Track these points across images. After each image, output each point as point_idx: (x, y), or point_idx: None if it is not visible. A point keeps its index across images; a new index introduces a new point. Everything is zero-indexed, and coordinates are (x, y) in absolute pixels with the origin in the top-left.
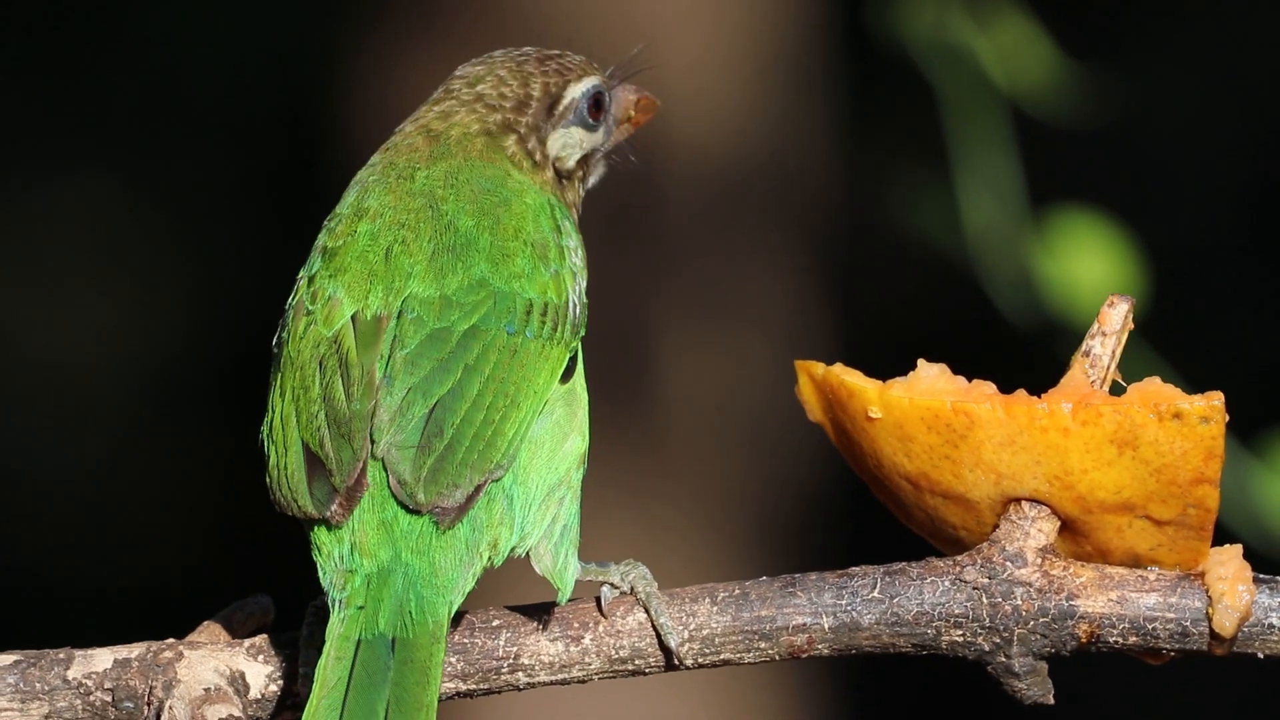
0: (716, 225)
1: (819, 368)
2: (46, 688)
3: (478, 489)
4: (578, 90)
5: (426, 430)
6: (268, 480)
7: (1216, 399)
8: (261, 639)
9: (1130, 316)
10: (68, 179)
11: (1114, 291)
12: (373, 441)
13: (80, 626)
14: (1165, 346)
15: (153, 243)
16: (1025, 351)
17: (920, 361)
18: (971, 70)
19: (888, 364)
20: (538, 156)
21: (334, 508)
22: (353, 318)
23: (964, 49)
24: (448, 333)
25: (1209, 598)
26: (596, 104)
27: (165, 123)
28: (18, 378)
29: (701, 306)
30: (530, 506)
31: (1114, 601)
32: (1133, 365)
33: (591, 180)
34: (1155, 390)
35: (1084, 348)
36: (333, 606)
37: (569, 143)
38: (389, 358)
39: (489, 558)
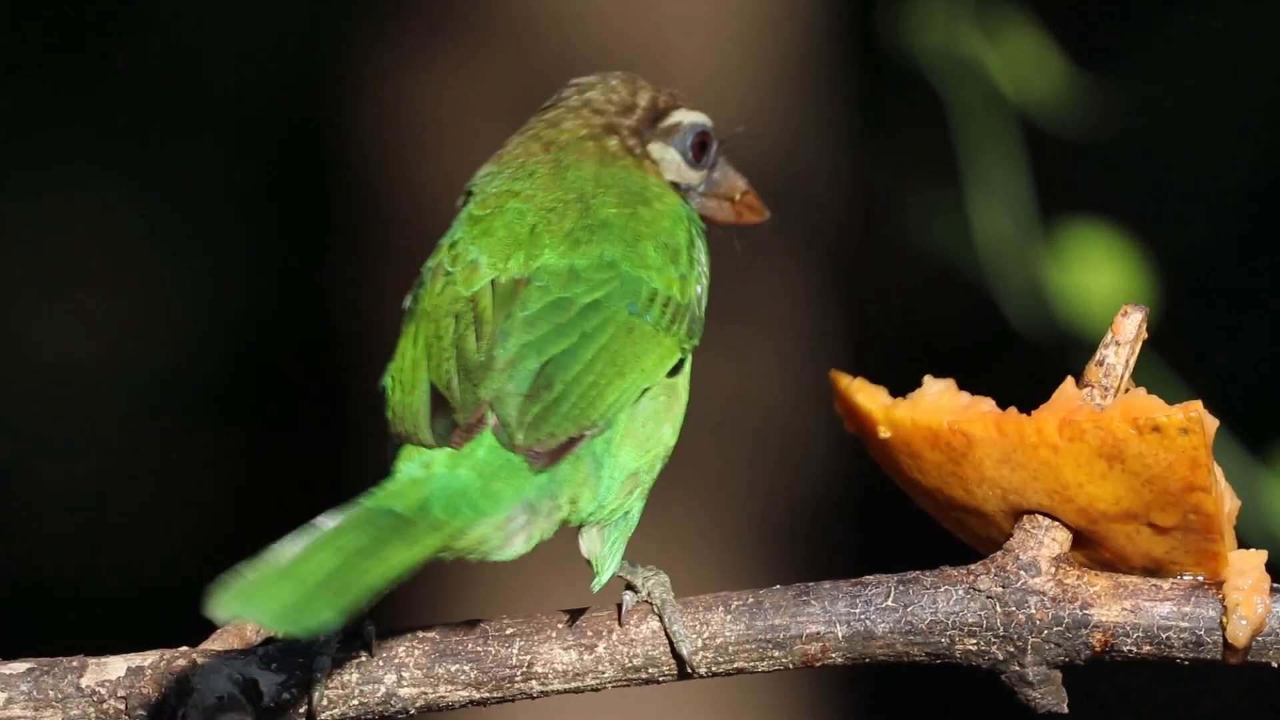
0: (725, 234)
1: (844, 380)
2: (60, 695)
3: (573, 440)
4: (687, 117)
5: (536, 382)
6: (389, 414)
7: (1194, 410)
8: (275, 647)
9: (1144, 326)
10: (76, 186)
11: (1125, 302)
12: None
13: (92, 633)
14: (1176, 357)
15: (160, 249)
16: (1035, 363)
17: (926, 378)
18: (981, 81)
19: (895, 374)
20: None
21: (454, 439)
22: (492, 281)
23: (974, 60)
24: (569, 302)
25: (1224, 607)
26: (701, 144)
27: (173, 130)
28: (26, 382)
29: (710, 314)
30: (614, 480)
31: (1128, 610)
32: (1143, 376)
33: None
34: (1136, 403)
35: (1098, 357)
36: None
37: (667, 159)
38: (510, 317)
39: (567, 513)
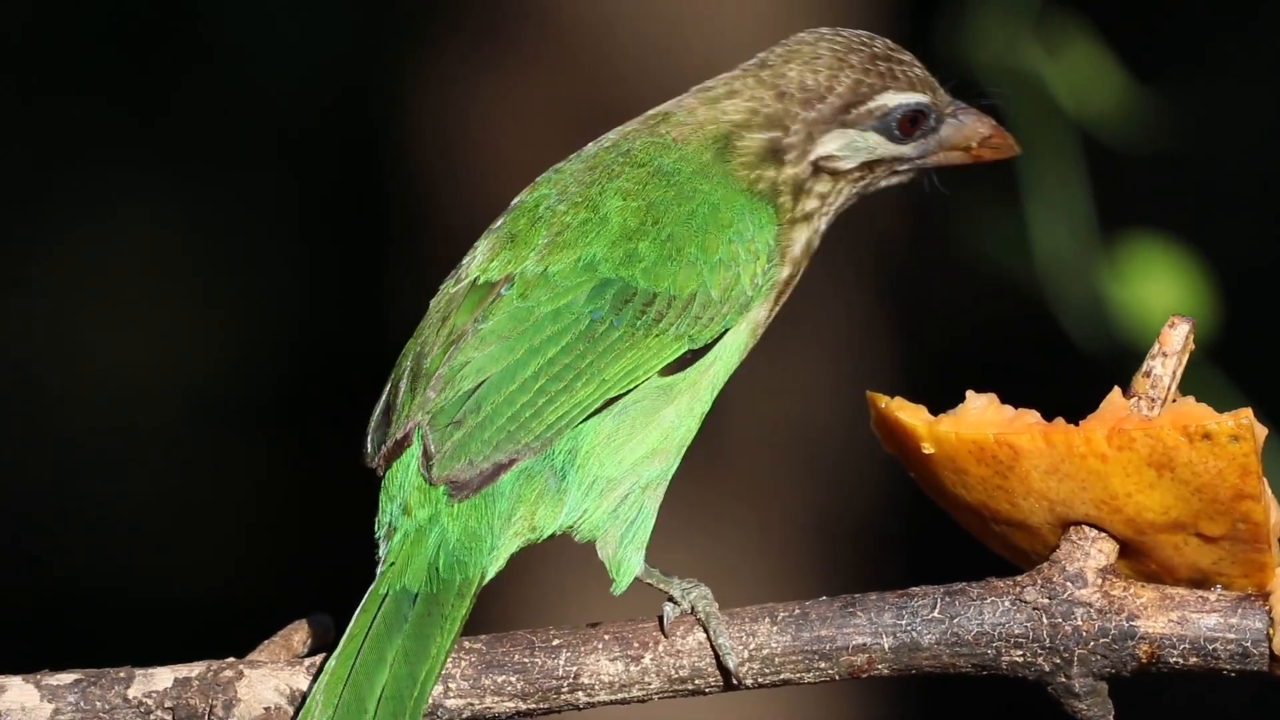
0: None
1: (882, 400)
2: (107, 706)
3: (498, 468)
4: (894, 100)
5: (465, 407)
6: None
7: (1245, 417)
8: (322, 657)
9: (1191, 337)
10: (131, 203)
11: (1182, 314)
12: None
13: (140, 642)
14: (1237, 369)
15: (213, 265)
16: (1093, 376)
17: (969, 393)
18: (1040, 94)
19: (952, 388)
20: (790, 155)
21: (379, 457)
22: (473, 281)
23: (1033, 73)
24: (528, 312)
25: (1271, 619)
26: (913, 120)
27: (227, 148)
28: (80, 394)
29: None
30: (588, 492)
31: (1174, 622)
32: (1196, 386)
33: (880, 184)
34: (1186, 411)
35: (1145, 368)
36: (377, 564)
37: (855, 145)
38: (469, 330)
39: (528, 530)
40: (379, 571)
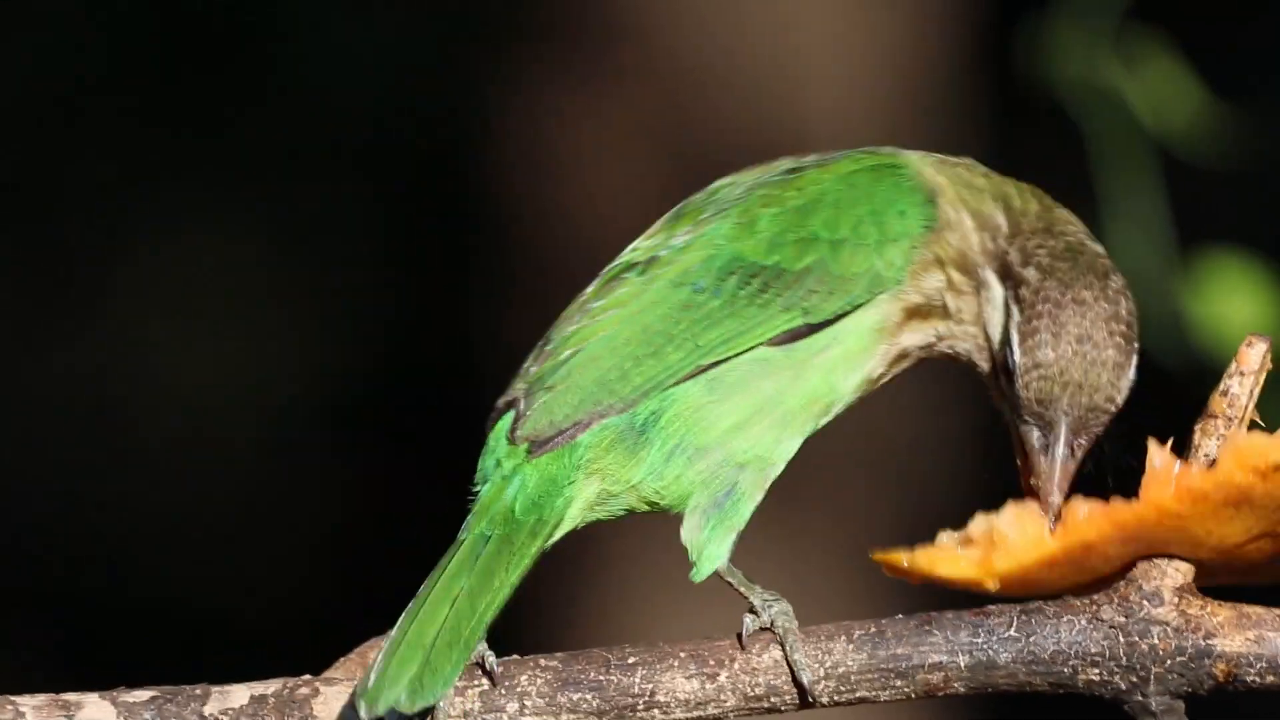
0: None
1: (901, 559)
2: None
3: (579, 426)
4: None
5: (558, 374)
6: None
7: None
8: None
9: (1268, 356)
10: (211, 222)
11: (1261, 333)
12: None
13: (214, 659)
14: None
15: (288, 281)
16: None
17: (992, 520)
18: (1120, 110)
19: None
20: (996, 244)
21: (490, 421)
22: (623, 261)
23: (1113, 90)
24: (643, 286)
25: None
26: (1008, 368)
27: (307, 166)
28: (161, 412)
29: None
30: (671, 455)
31: (1252, 641)
32: (1271, 406)
33: (949, 346)
34: (1247, 448)
35: (1222, 387)
36: None
37: (992, 299)
38: (589, 306)
39: (605, 479)
40: (465, 522)
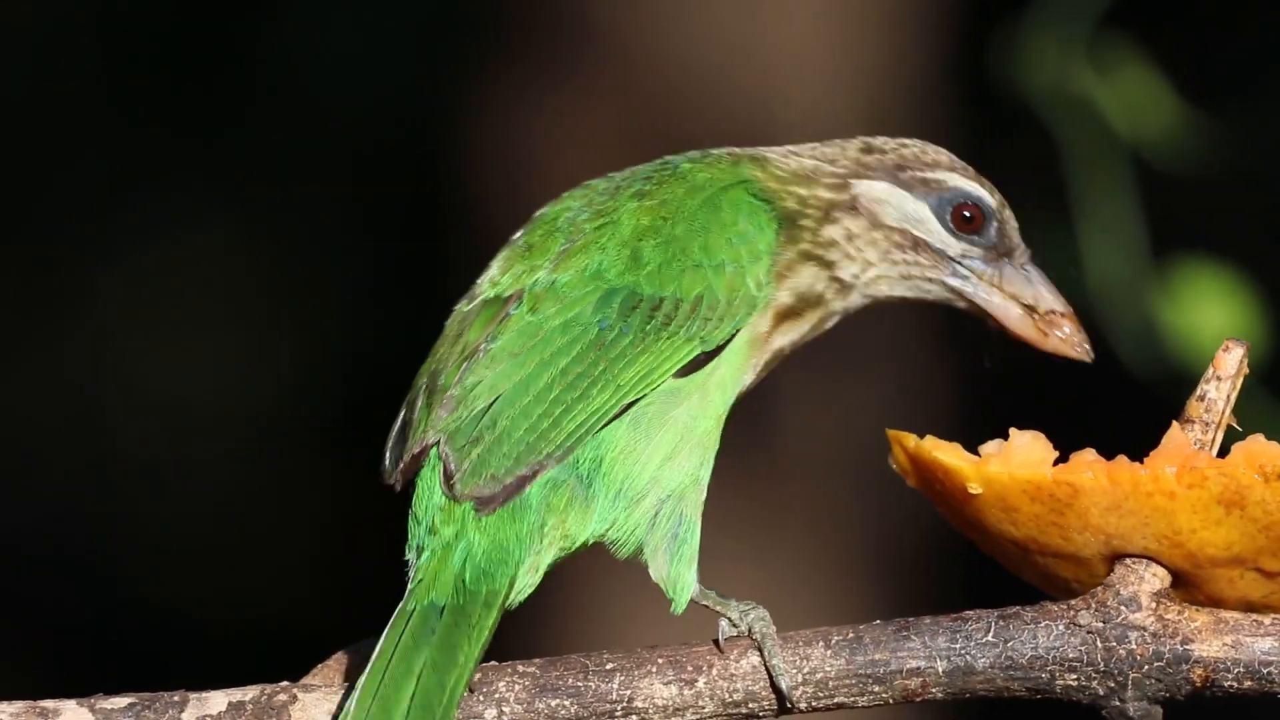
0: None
1: (910, 440)
2: None
3: (521, 480)
4: (956, 182)
5: (480, 424)
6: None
7: None
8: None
9: (1245, 361)
10: (190, 229)
11: (1236, 338)
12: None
13: (193, 667)
14: None
15: (270, 289)
16: (1146, 401)
17: (1012, 431)
18: (1094, 120)
19: (1004, 409)
20: (828, 180)
21: (396, 473)
22: (485, 296)
23: (1086, 97)
24: (538, 327)
25: None
26: (969, 216)
27: (286, 169)
28: (142, 419)
29: (821, 347)
30: (615, 499)
31: (1229, 646)
32: (1249, 411)
33: (919, 286)
34: (1260, 449)
35: (1199, 392)
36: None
37: (903, 206)
38: (481, 349)
39: (561, 539)
40: (408, 590)
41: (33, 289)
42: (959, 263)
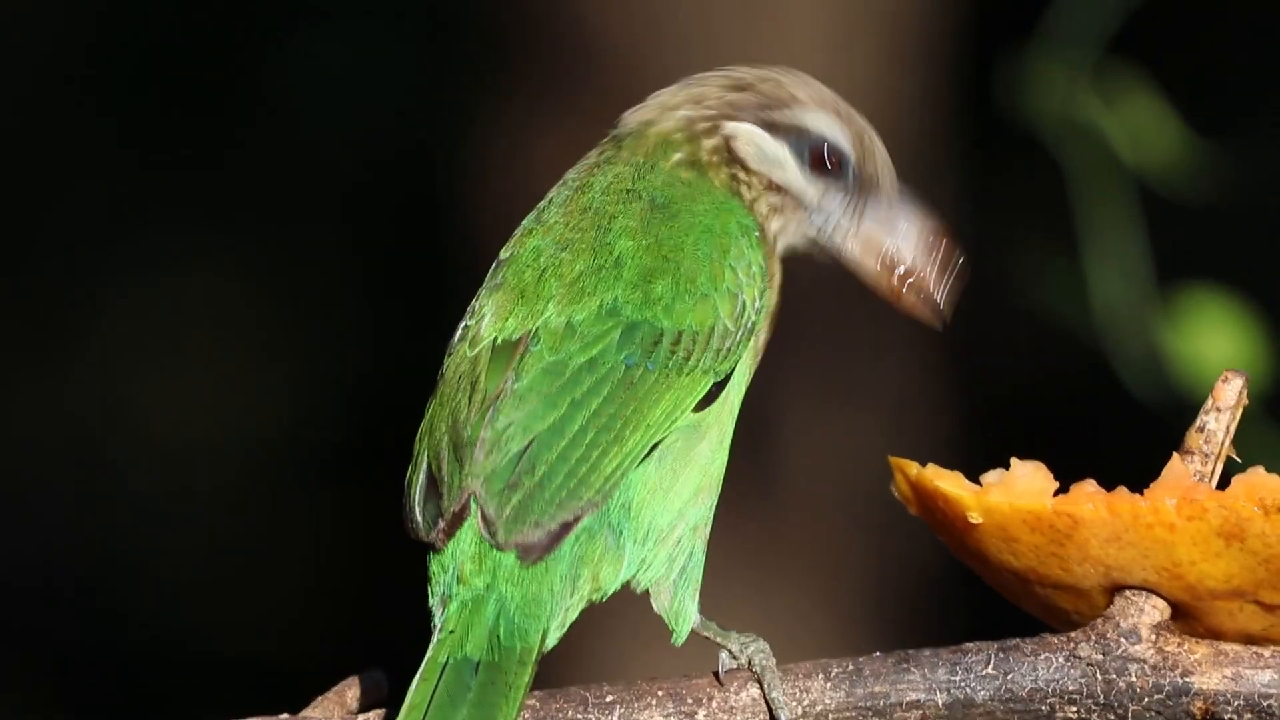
0: (837, 298)
1: (912, 468)
2: None
3: (565, 526)
4: (813, 123)
5: (518, 468)
6: (404, 498)
7: None
8: (376, 714)
9: (1245, 392)
10: (189, 262)
11: (1239, 368)
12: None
13: (192, 698)
14: None
15: (272, 321)
16: (1150, 427)
17: (1014, 460)
18: (1099, 147)
19: (1009, 437)
20: (702, 125)
21: (436, 532)
22: (492, 342)
23: (1092, 126)
24: (563, 365)
25: None
26: (823, 160)
27: (285, 201)
28: (140, 451)
29: (823, 381)
30: (644, 542)
31: (1229, 678)
32: (1251, 442)
33: (800, 232)
34: (1260, 482)
35: (1198, 423)
36: (432, 632)
37: (763, 148)
38: (506, 390)
39: (592, 591)
40: (436, 639)
41: (31, 320)
42: (818, 210)
